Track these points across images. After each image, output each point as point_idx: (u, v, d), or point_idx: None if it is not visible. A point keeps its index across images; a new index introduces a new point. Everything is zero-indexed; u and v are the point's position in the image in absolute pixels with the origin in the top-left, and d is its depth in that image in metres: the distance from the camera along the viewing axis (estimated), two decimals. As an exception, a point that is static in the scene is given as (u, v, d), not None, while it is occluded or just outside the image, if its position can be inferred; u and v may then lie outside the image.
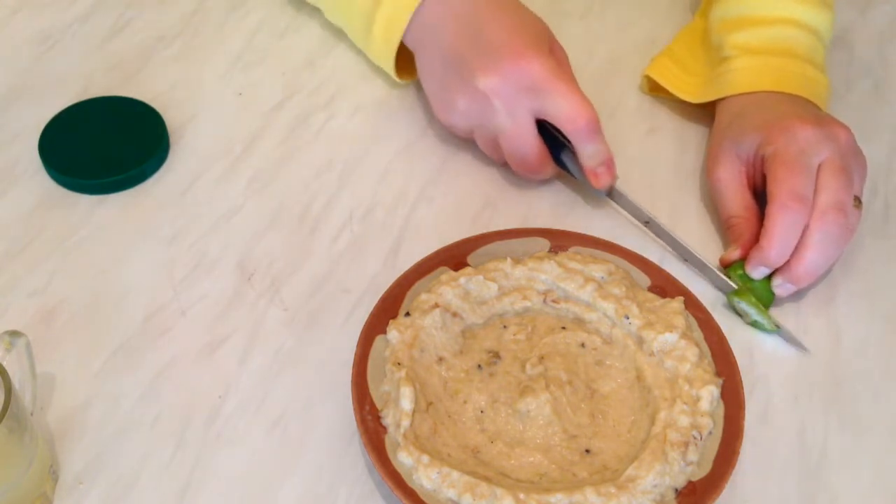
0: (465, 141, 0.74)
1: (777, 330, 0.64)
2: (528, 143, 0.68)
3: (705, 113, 0.77)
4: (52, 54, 0.80)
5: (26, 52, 0.80)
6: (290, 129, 0.76)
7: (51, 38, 0.81)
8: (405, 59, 0.74)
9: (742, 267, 0.65)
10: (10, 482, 0.52)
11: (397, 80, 0.76)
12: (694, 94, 0.76)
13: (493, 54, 0.66)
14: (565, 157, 0.69)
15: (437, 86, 0.71)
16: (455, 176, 0.73)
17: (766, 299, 0.65)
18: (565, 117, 0.66)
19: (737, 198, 0.68)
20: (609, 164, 0.68)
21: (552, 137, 0.69)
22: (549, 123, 0.68)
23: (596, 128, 0.66)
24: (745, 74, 0.72)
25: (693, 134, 0.77)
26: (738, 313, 0.66)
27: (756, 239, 0.65)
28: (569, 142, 0.68)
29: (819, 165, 0.64)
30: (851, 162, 0.66)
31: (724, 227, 0.69)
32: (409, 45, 0.72)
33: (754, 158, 0.68)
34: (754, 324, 0.65)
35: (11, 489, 0.52)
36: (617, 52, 0.82)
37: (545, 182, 0.73)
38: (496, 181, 0.73)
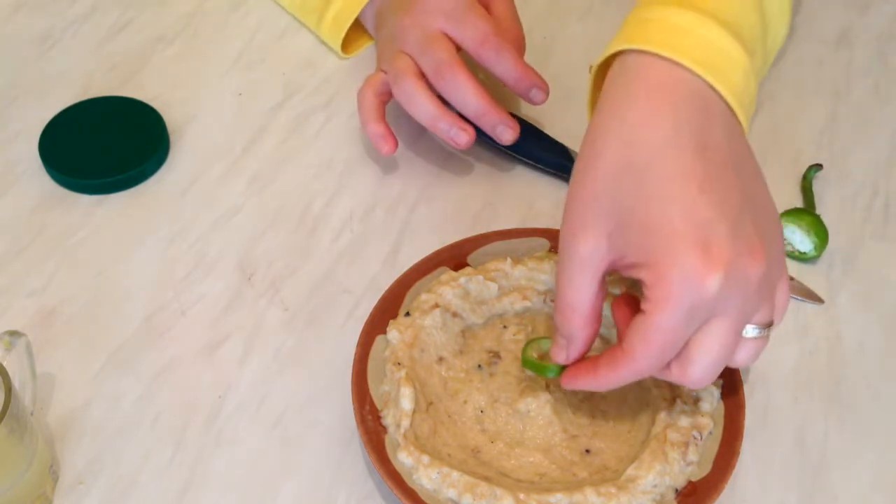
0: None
1: (819, 256, 0.67)
2: (442, 48, 0.67)
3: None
4: (52, 54, 0.80)
5: (26, 52, 0.80)
6: (290, 129, 0.76)
7: (51, 38, 0.81)
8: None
9: (538, 357, 0.57)
10: (10, 482, 0.52)
11: (341, 54, 0.79)
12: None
13: None
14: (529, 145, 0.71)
15: (383, 41, 0.73)
16: (455, 176, 0.73)
17: None
18: (475, 45, 0.67)
19: (588, 295, 0.51)
20: (533, 77, 0.68)
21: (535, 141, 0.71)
22: (525, 121, 0.71)
23: (506, 48, 0.67)
24: (636, 27, 0.51)
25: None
26: None
27: (586, 346, 0.52)
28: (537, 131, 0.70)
29: (705, 321, 0.48)
30: (757, 301, 0.49)
31: (559, 316, 0.52)
32: (365, 20, 0.78)
33: (626, 272, 0.49)
34: (795, 255, 0.68)
35: (11, 489, 0.52)
36: (617, 52, 0.82)
37: (545, 181, 0.73)
38: (496, 181, 0.73)
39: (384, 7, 0.74)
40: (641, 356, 0.48)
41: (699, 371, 0.49)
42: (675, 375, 0.50)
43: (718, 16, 0.49)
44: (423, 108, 0.67)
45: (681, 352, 0.49)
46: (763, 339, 0.50)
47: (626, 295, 0.50)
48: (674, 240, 0.46)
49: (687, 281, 0.46)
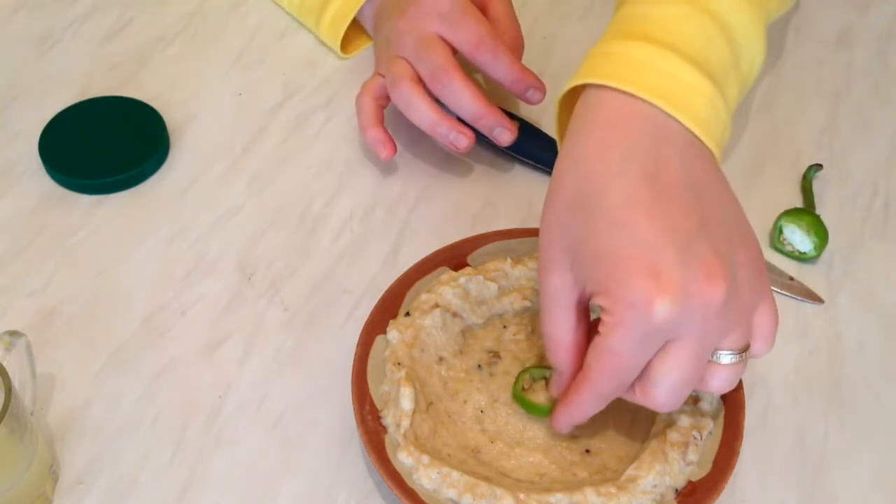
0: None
1: (818, 256, 0.67)
2: (438, 52, 0.67)
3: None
4: (52, 54, 0.80)
5: (26, 52, 0.80)
6: (290, 129, 0.76)
7: (51, 38, 0.81)
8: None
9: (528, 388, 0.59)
10: (10, 482, 0.52)
11: (341, 54, 0.80)
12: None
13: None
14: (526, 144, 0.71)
15: (380, 45, 0.73)
16: (455, 176, 0.73)
17: None
18: (470, 48, 0.67)
19: (567, 328, 0.52)
20: (530, 78, 0.68)
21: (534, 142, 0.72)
22: (526, 122, 0.71)
23: (501, 51, 0.67)
24: (597, 61, 0.52)
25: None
26: (779, 244, 0.68)
27: (576, 371, 0.52)
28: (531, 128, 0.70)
29: (665, 344, 0.48)
30: (721, 326, 0.48)
31: (547, 351, 0.53)
32: (364, 20, 0.78)
33: (585, 293, 0.50)
34: (795, 254, 0.68)
35: (11, 489, 0.52)
36: (617, 52, 0.82)
37: (545, 181, 0.73)
38: (496, 181, 0.73)
39: (383, 8, 0.74)
40: (598, 378, 0.49)
41: (662, 394, 0.49)
42: (639, 398, 0.50)
43: (680, 48, 0.50)
44: (421, 113, 0.67)
45: (643, 374, 0.49)
46: (739, 364, 0.50)
47: (596, 321, 0.50)
48: (622, 266, 0.47)
49: (635, 306, 0.46)
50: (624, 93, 0.49)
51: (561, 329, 0.51)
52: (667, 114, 0.49)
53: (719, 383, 0.50)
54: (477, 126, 0.68)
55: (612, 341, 0.47)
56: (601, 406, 0.51)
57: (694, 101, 0.50)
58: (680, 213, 0.47)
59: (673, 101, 0.49)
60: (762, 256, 0.51)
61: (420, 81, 0.68)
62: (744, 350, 0.50)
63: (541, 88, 0.69)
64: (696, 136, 0.49)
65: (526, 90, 0.69)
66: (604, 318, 0.48)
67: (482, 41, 0.67)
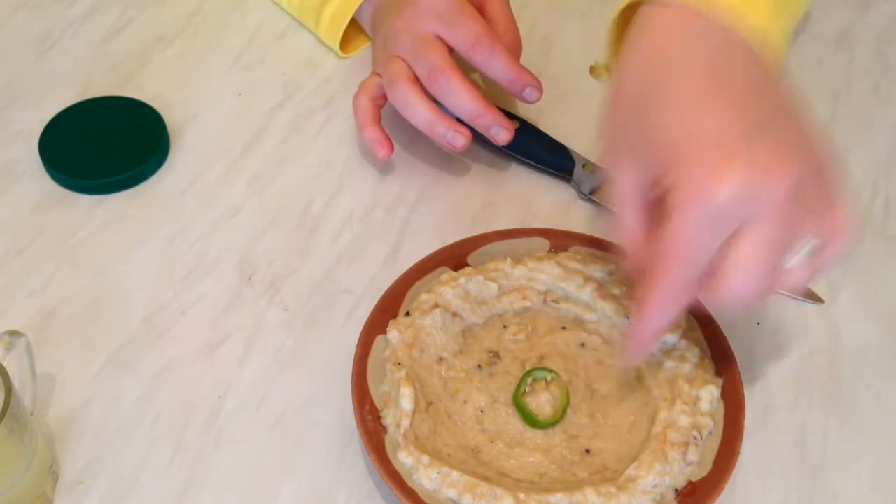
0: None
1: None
2: (436, 52, 0.67)
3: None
4: (52, 54, 0.80)
5: (26, 52, 0.80)
6: (290, 129, 0.76)
7: (51, 38, 0.81)
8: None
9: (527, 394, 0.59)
10: (10, 482, 0.52)
11: (340, 54, 0.79)
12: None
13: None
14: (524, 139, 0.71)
15: (377, 45, 0.73)
16: (455, 176, 0.73)
17: None
18: (467, 47, 0.67)
19: (637, 218, 0.52)
20: (526, 77, 0.68)
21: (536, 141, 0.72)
22: (525, 122, 0.71)
23: (497, 50, 0.67)
24: None
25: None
26: None
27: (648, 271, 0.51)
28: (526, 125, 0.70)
29: (738, 229, 0.47)
30: (795, 211, 0.47)
31: (624, 243, 0.54)
32: (362, 20, 0.78)
33: (656, 184, 0.50)
34: None
35: (11, 489, 0.52)
36: (617, 52, 0.82)
37: (545, 181, 0.73)
38: (496, 181, 0.73)
39: (381, 8, 0.74)
40: (673, 265, 0.48)
41: (739, 280, 0.47)
42: (715, 289, 0.48)
43: None
44: (418, 113, 0.67)
45: (718, 263, 0.48)
46: (812, 264, 0.49)
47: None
48: (687, 146, 0.47)
49: (701, 183, 0.46)
50: (679, 6, 0.50)
51: (634, 222, 0.52)
52: (726, 24, 0.49)
53: (794, 282, 0.50)
54: (474, 125, 0.68)
55: (680, 221, 0.47)
56: (676, 306, 0.50)
57: (751, 13, 0.50)
58: (743, 105, 0.48)
59: (733, 10, 0.49)
60: (831, 166, 0.50)
61: (417, 81, 0.68)
62: (817, 249, 0.49)
63: (538, 87, 0.69)
64: (753, 47, 0.49)
65: (523, 89, 0.69)
66: (672, 200, 0.47)
67: (479, 40, 0.67)
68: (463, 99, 0.67)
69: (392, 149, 0.70)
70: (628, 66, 0.51)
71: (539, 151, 0.72)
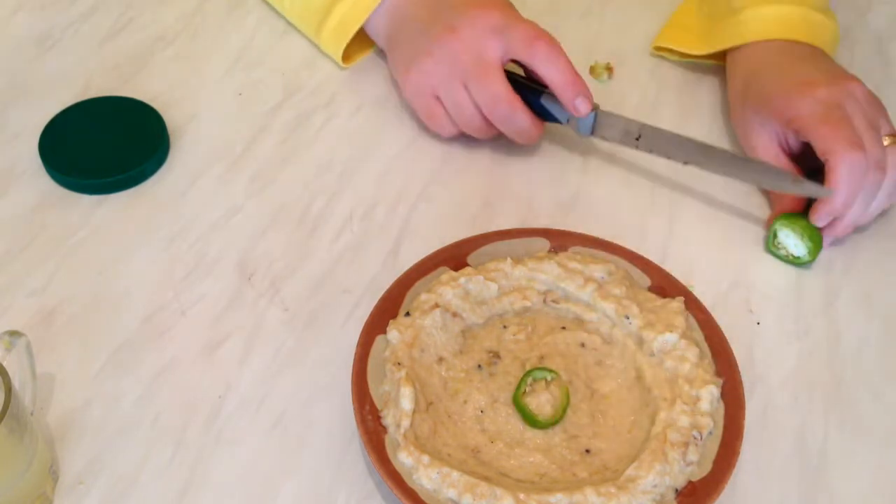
0: (464, 141, 0.74)
1: (813, 260, 0.68)
2: (496, 80, 0.68)
3: (707, 111, 0.77)
4: (52, 54, 0.80)
5: (26, 52, 0.80)
6: (290, 129, 0.76)
7: (51, 38, 0.81)
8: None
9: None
10: (10, 482, 0.52)
11: (342, 64, 0.79)
12: (700, 47, 0.79)
13: (455, 10, 0.70)
14: (545, 103, 0.70)
15: (403, 58, 0.72)
16: (455, 176, 0.73)
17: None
18: (526, 45, 0.68)
19: (779, 164, 0.69)
20: (581, 86, 0.68)
21: (528, 89, 0.70)
22: (519, 76, 0.70)
23: (558, 50, 0.68)
24: (756, 24, 0.74)
25: (694, 133, 0.77)
26: (773, 248, 0.69)
27: (803, 200, 0.68)
28: (543, 86, 0.70)
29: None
30: (871, 112, 0.68)
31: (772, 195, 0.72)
32: (372, 30, 0.76)
33: (781, 127, 0.69)
34: (789, 258, 0.68)
35: (11, 489, 0.52)
36: (617, 52, 0.82)
37: (545, 181, 0.73)
38: (496, 181, 0.73)
39: (406, 18, 0.73)
40: (843, 144, 0.65)
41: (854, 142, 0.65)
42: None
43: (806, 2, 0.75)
44: (519, 121, 0.70)
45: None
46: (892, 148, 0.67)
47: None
48: (790, 87, 0.69)
49: (807, 101, 0.68)
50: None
51: (787, 163, 0.70)
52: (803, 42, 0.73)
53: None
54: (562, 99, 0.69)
55: (816, 124, 0.66)
56: (858, 183, 0.65)
57: (822, 34, 0.74)
58: (816, 68, 0.71)
59: (810, 35, 0.73)
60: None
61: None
62: (893, 135, 0.67)
63: (589, 98, 0.69)
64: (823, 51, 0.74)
65: (575, 97, 0.68)
66: (805, 125, 0.67)
67: (539, 35, 0.68)
68: (525, 126, 0.70)
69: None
70: (735, 70, 0.75)
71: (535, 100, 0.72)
